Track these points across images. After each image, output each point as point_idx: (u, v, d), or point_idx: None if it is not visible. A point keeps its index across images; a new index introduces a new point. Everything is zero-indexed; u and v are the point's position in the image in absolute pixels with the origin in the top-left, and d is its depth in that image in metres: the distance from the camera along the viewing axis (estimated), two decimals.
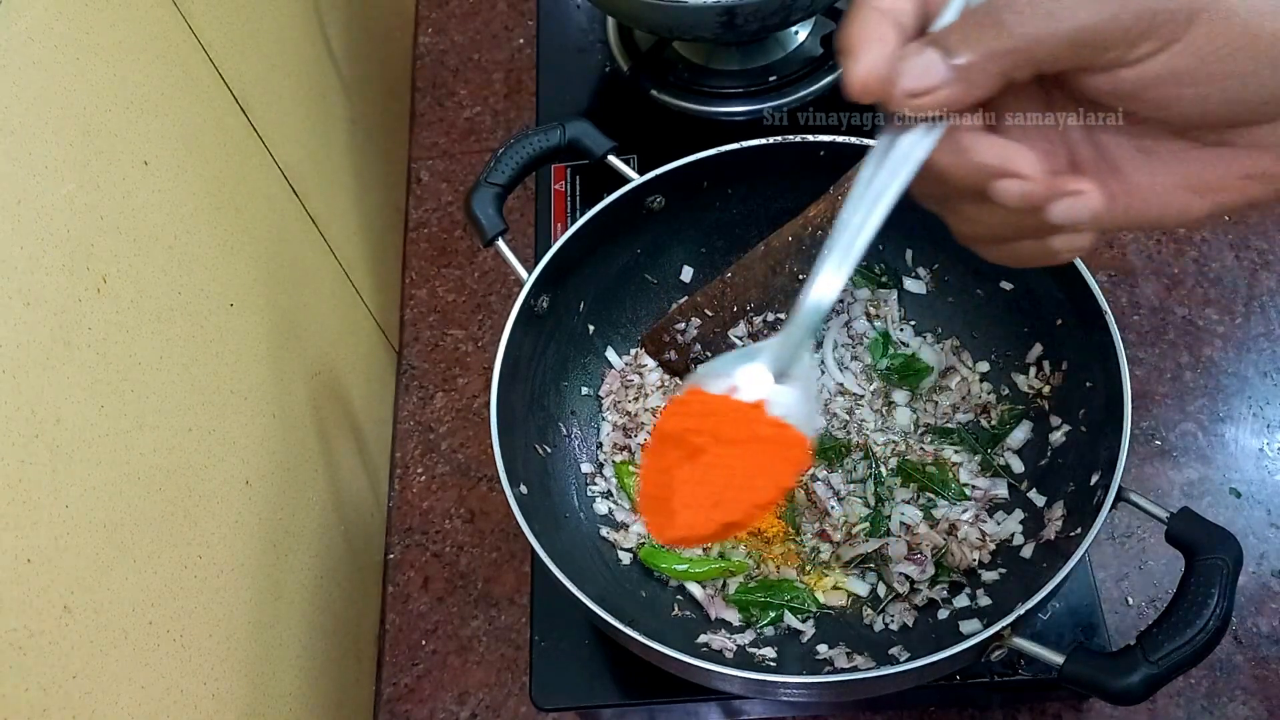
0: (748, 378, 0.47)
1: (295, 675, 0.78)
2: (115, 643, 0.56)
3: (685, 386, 0.49)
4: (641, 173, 0.80)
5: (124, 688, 0.56)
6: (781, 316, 0.87)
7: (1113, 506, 0.65)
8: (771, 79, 1.07)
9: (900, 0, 0.39)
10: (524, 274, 0.78)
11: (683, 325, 0.87)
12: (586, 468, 0.85)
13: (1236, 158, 0.38)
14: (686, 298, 0.89)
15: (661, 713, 0.84)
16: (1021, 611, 0.62)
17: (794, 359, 0.46)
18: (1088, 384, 0.75)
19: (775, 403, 0.47)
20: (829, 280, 0.43)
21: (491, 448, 0.71)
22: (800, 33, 1.09)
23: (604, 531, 0.82)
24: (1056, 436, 0.79)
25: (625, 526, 0.82)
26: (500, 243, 0.79)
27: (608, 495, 0.84)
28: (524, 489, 0.73)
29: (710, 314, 0.87)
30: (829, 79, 1.06)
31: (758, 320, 0.87)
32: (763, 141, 0.80)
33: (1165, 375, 0.97)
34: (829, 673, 0.73)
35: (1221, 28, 0.35)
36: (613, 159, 0.81)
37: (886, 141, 0.40)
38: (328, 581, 0.86)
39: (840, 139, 0.79)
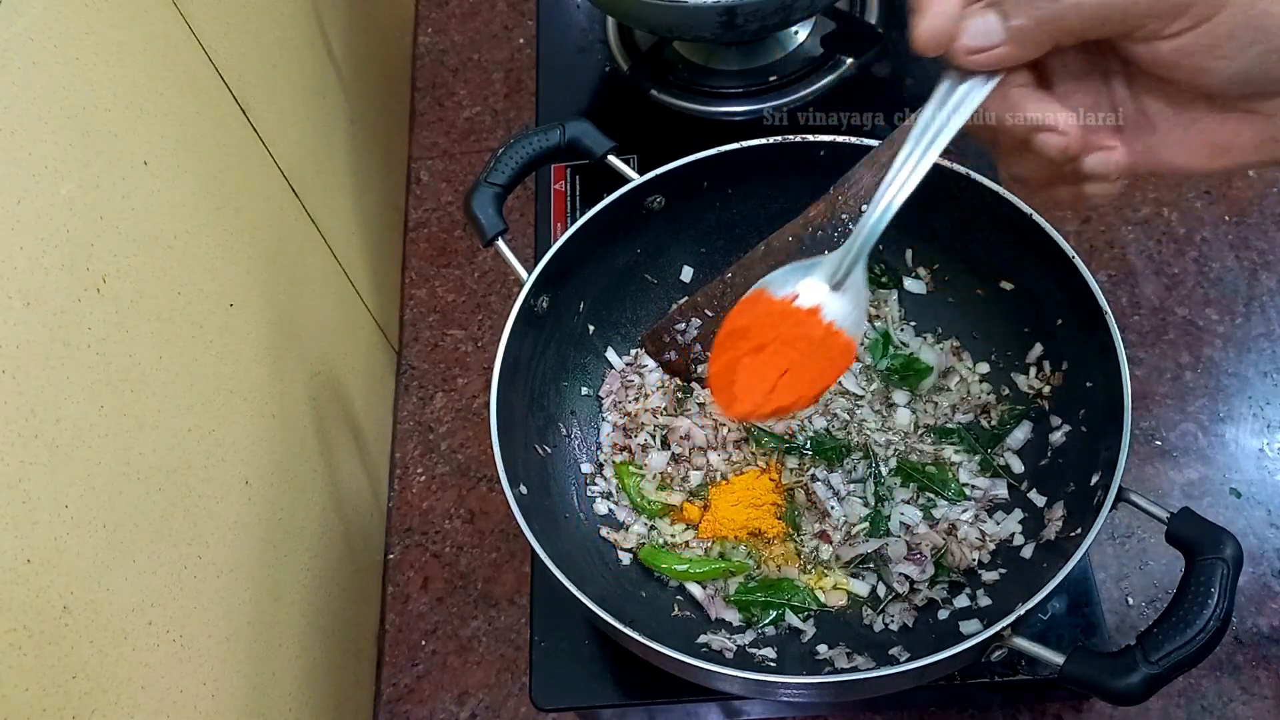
0: (807, 287, 0.56)
1: (295, 675, 0.78)
2: (115, 643, 0.56)
3: (754, 289, 0.58)
4: (641, 173, 0.80)
5: (124, 688, 0.56)
6: None
7: (1113, 507, 0.65)
8: (771, 79, 1.07)
9: None
10: (524, 274, 0.78)
11: (683, 325, 0.87)
12: (586, 468, 0.85)
13: (1258, 123, 0.45)
14: (686, 298, 0.88)
15: (661, 713, 0.84)
16: (1021, 612, 0.62)
17: (849, 271, 0.54)
18: (1088, 384, 0.75)
19: (829, 310, 0.55)
20: (885, 205, 0.50)
21: (491, 448, 0.71)
22: (800, 33, 1.09)
23: (604, 532, 0.82)
24: (1056, 437, 0.79)
25: (625, 527, 0.82)
26: (500, 243, 0.79)
27: (608, 495, 0.84)
28: (524, 489, 0.73)
29: (710, 314, 0.86)
30: (829, 79, 1.06)
31: None
32: (763, 141, 0.80)
33: (1165, 375, 0.97)
34: (829, 673, 0.73)
35: (1248, 12, 0.41)
36: (613, 159, 0.81)
37: (947, 87, 0.47)
38: (327, 581, 0.86)
39: (840, 139, 0.79)
